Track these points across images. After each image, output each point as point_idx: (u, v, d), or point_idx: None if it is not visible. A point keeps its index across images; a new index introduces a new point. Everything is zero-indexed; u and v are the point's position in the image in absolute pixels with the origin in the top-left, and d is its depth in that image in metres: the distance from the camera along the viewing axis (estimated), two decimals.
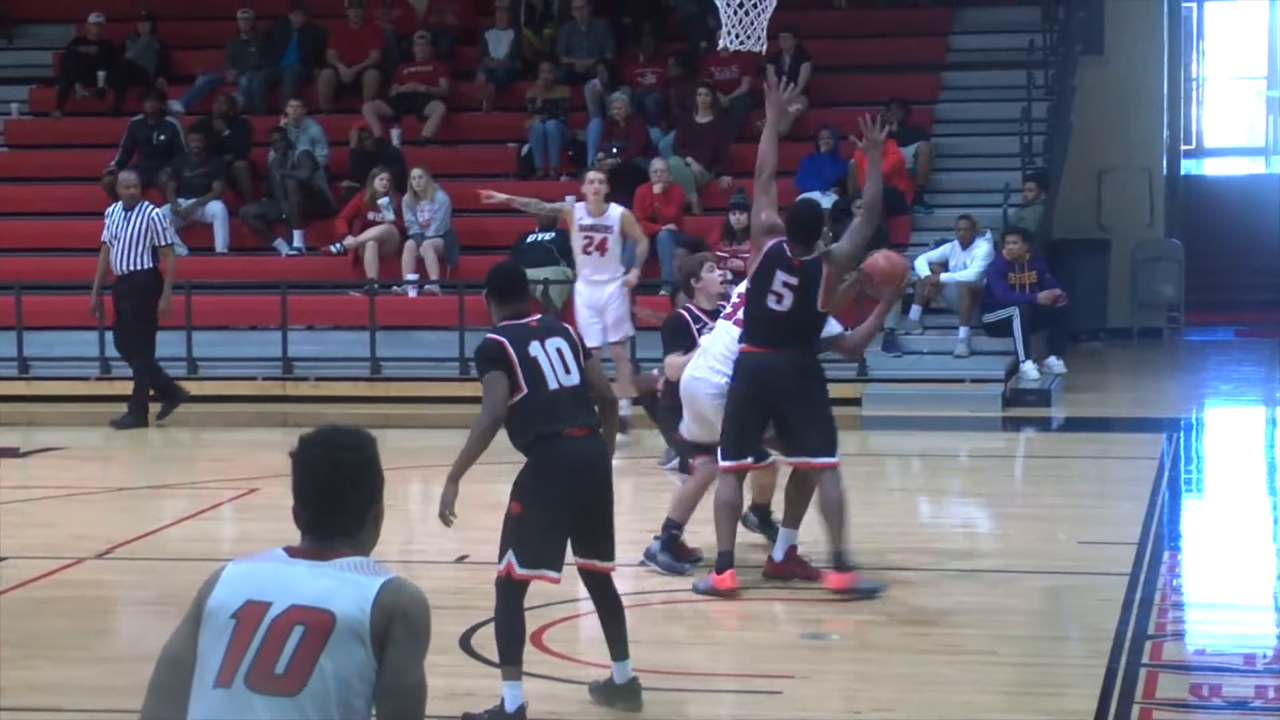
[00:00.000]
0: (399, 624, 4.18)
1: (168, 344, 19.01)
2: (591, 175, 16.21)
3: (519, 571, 8.08)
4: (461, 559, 11.69)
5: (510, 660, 8.01)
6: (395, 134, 21.80)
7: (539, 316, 8.40)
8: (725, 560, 10.46)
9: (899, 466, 15.95)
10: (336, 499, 4.32)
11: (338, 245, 20.23)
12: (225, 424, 17.83)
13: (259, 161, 21.31)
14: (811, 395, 10.42)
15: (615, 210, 15.94)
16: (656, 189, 19.78)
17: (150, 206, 17.39)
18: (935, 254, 19.22)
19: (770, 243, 10.45)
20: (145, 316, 17.08)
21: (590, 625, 9.85)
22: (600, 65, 21.96)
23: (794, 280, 10.30)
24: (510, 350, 8.03)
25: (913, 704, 8.40)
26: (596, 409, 8.20)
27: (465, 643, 9.37)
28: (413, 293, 19.99)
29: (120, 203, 17.34)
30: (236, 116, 21.79)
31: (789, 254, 10.35)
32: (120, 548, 11.93)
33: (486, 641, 9.35)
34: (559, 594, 10.48)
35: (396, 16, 23.31)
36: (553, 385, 8.04)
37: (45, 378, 19.22)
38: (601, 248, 15.81)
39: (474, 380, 18.42)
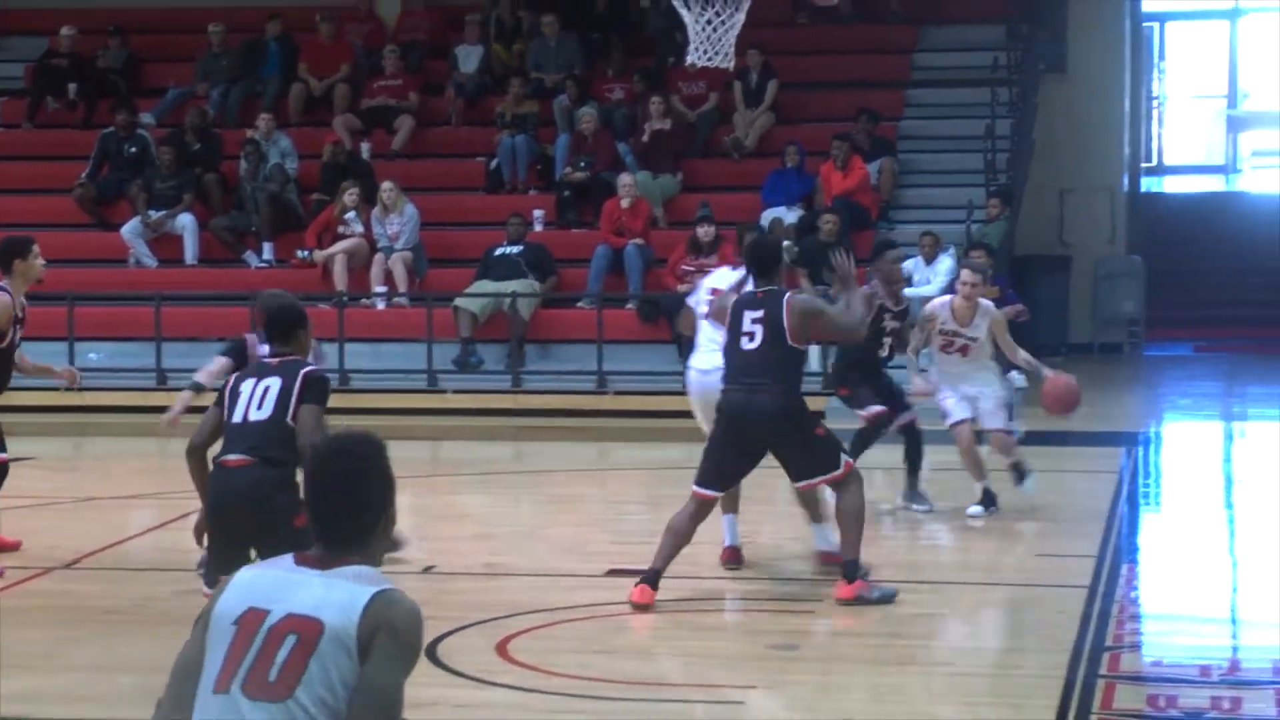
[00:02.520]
0: (384, 633, 4.15)
1: (137, 355, 19.02)
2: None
3: (205, 590, 8.55)
4: (428, 569, 11.72)
5: None
6: (365, 148, 21.82)
7: (292, 359, 8.54)
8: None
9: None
10: (346, 508, 4.29)
11: (304, 251, 20.22)
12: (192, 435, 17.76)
13: (229, 174, 21.31)
14: (796, 431, 10.35)
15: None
16: (624, 203, 19.84)
17: None
18: None
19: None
20: None
21: (559, 634, 9.91)
22: (569, 80, 22.01)
23: (759, 314, 10.29)
24: (229, 386, 8.60)
25: (872, 715, 8.45)
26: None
27: (431, 652, 9.38)
28: (381, 305, 20.01)
29: None
30: (207, 129, 21.79)
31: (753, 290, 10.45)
32: (89, 557, 11.93)
33: (453, 652, 9.39)
34: (527, 604, 10.54)
35: (367, 31, 23.33)
36: (236, 419, 8.43)
37: (15, 388, 19.12)
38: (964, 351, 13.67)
39: (441, 392, 18.49)
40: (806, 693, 8.80)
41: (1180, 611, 10.88)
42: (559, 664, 9.26)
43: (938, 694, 8.76)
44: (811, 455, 10.37)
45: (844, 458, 10.55)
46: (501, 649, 9.44)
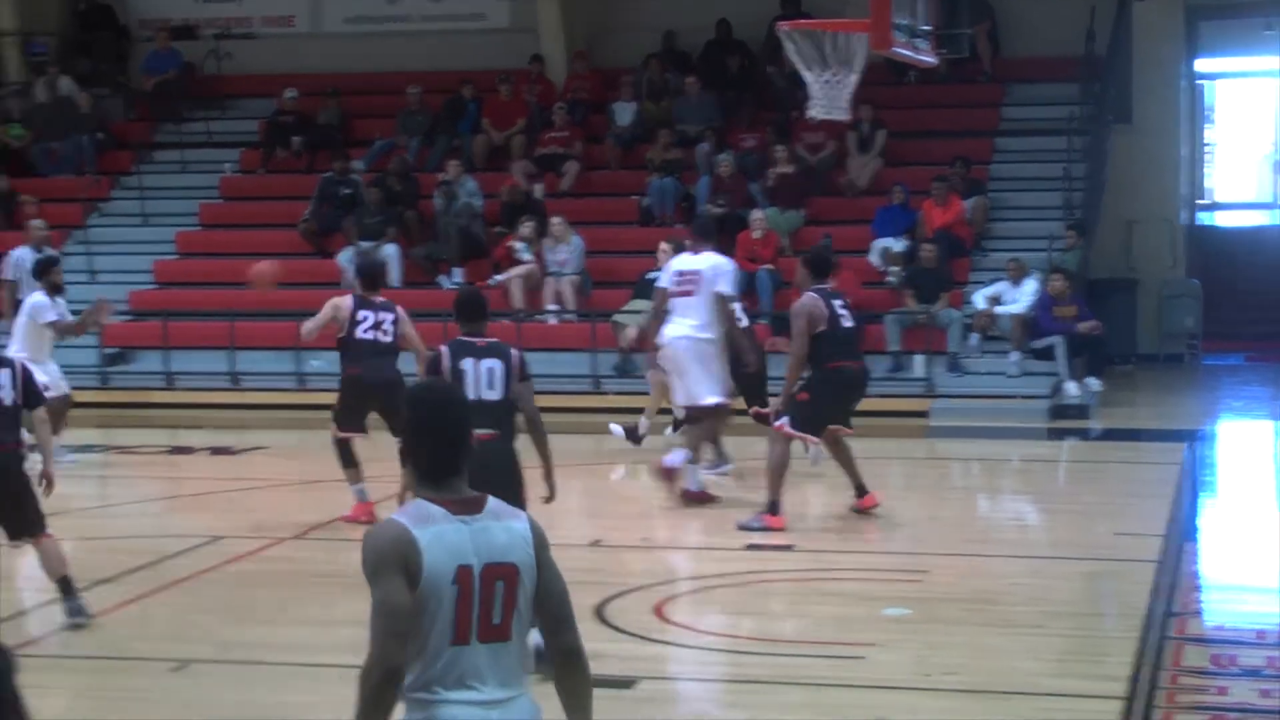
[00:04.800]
0: (541, 549, 4.25)
1: None
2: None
3: None
4: (596, 543, 11.70)
5: None
6: (538, 188, 21.87)
7: (492, 340, 8.62)
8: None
9: (961, 469, 15.83)
10: (460, 440, 4.27)
11: (494, 279, 20.34)
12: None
13: (426, 211, 21.44)
14: None
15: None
16: (756, 235, 19.75)
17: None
18: (990, 290, 19.09)
19: None
20: None
21: (707, 598, 9.86)
22: (709, 131, 21.95)
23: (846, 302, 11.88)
24: (445, 361, 8.44)
25: (974, 669, 8.35)
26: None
27: (599, 612, 9.36)
28: (552, 320, 20.04)
29: (29, 246, 17.40)
30: (407, 174, 21.94)
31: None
32: (313, 530, 12.04)
33: (617, 612, 9.37)
34: (680, 573, 10.50)
35: (539, 91, 23.40)
36: (470, 396, 8.25)
37: (253, 389, 19.42)
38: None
39: (604, 394, 18.48)
40: (916, 650, 8.70)
41: (1235, 583, 10.68)
42: (707, 624, 9.23)
43: (1030, 652, 8.63)
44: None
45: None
46: (659, 610, 9.42)
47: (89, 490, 15.04)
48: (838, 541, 11.43)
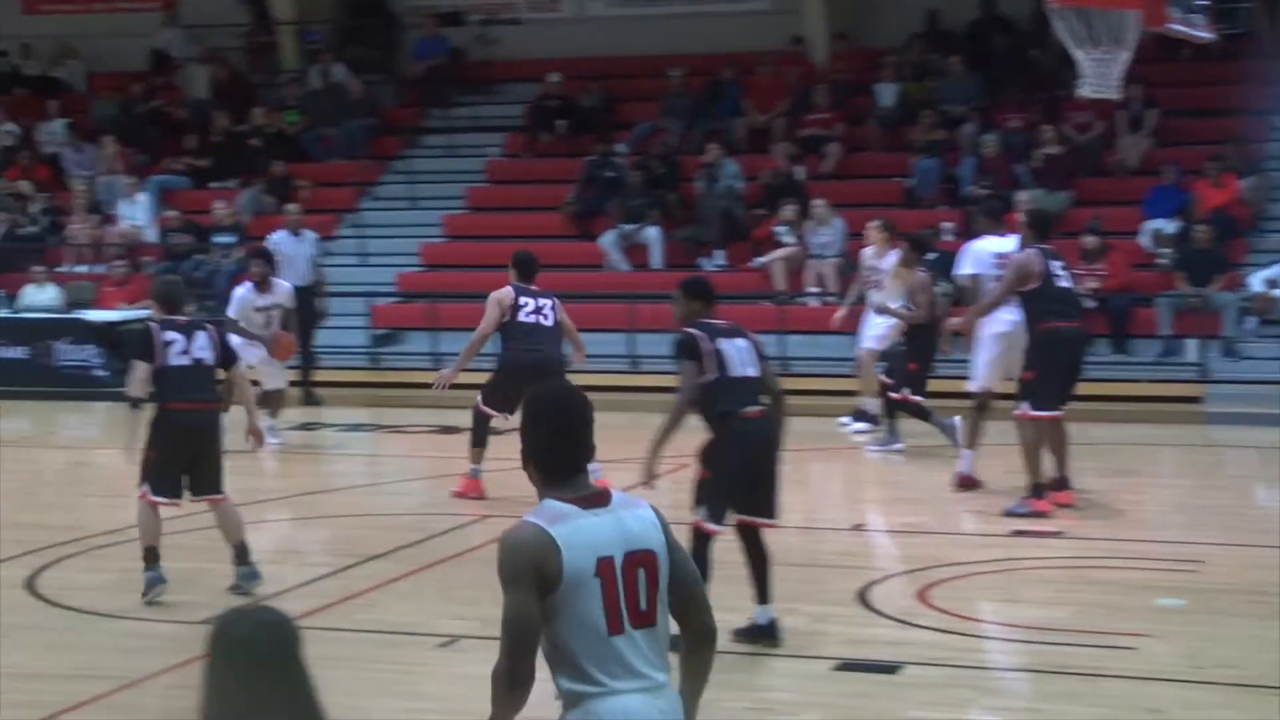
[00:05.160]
0: (669, 532, 4.26)
1: (612, 344, 19.31)
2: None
3: (707, 526, 8.27)
4: (857, 527, 11.62)
5: None
6: (799, 170, 21.77)
7: (729, 321, 8.58)
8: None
9: (1237, 456, 15.32)
10: (584, 437, 4.27)
11: (755, 262, 20.32)
12: (663, 410, 17.92)
13: (687, 193, 21.50)
14: None
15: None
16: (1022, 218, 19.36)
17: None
18: (1269, 272, 18.45)
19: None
20: None
21: (971, 584, 9.70)
22: (973, 111, 21.61)
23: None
24: (705, 343, 8.31)
25: (1254, 663, 8.08)
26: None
27: (862, 597, 9.30)
28: (814, 303, 19.94)
29: (286, 230, 18.29)
30: (669, 156, 22.04)
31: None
32: None
33: (881, 598, 9.29)
34: (944, 558, 10.36)
35: (800, 72, 23.30)
36: (735, 374, 8.27)
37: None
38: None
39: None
40: (1191, 642, 8.46)
41: None
42: (971, 610, 9.10)
43: None
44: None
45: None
46: (922, 596, 9.31)
47: (359, 468, 15.48)
48: (1107, 528, 11.15)
